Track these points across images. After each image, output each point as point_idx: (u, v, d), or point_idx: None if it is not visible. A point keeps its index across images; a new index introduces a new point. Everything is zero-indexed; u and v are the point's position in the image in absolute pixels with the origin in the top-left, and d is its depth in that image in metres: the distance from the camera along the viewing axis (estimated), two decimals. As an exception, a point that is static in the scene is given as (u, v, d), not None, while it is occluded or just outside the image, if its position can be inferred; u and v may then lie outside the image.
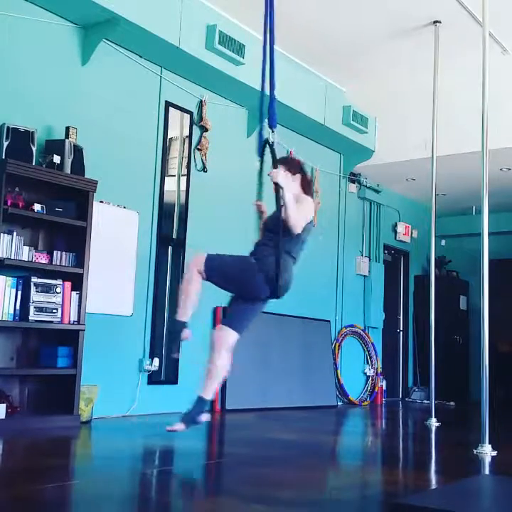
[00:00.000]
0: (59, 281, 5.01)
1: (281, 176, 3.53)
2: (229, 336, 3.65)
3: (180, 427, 3.67)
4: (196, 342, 6.55)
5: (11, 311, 4.79)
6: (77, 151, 5.21)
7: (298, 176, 3.85)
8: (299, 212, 3.58)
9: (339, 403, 8.06)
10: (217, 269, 3.66)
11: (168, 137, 6.41)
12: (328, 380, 7.92)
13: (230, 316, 3.73)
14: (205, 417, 3.67)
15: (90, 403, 5.22)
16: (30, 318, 4.82)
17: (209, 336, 3.75)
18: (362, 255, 9.08)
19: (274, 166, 3.58)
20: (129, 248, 5.95)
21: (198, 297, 3.67)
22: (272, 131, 3.66)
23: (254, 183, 4.07)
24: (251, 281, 3.57)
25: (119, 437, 4.89)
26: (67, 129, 5.24)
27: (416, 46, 7.10)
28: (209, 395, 3.69)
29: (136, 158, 6.08)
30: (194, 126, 6.66)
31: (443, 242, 10.78)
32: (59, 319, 4.99)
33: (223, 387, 6.62)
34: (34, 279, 4.86)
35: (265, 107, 3.79)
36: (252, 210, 4.08)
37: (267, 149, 3.73)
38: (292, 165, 3.89)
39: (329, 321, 8.27)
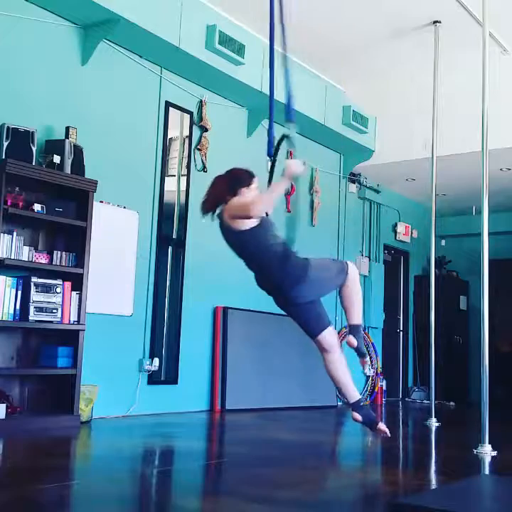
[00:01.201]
0: (59, 281, 5.01)
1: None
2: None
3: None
4: (197, 341, 6.60)
5: (11, 311, 4.79)
6: (77, 151, 5.21)
7: None
8: None
9: (339, 403, 8.05)
10: (309, 316, 3.85)
11: (168, 137, 6.40)
12: (328, 380, 7.83)
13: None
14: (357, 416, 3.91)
15: (90, 403, 5.22)
16: (30, 318, 4.82)
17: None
18: (362, 255, 9.08)
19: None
20: (129, 248, 5.95)
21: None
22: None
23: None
24: None
25: (119, 437, 4.89)
26: (67, 129, 5.24)
27: (416, 46, 7.10)
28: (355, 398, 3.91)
29: (136, 158, 6.08)
30: (194, 126, 6.65)
31: (443, 242, 10.77)
32: (59, 319, 4.99)
33: (223, 387, 6.62)
34: (34, 279, 4.86)
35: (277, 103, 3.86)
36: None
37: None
38: None
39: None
